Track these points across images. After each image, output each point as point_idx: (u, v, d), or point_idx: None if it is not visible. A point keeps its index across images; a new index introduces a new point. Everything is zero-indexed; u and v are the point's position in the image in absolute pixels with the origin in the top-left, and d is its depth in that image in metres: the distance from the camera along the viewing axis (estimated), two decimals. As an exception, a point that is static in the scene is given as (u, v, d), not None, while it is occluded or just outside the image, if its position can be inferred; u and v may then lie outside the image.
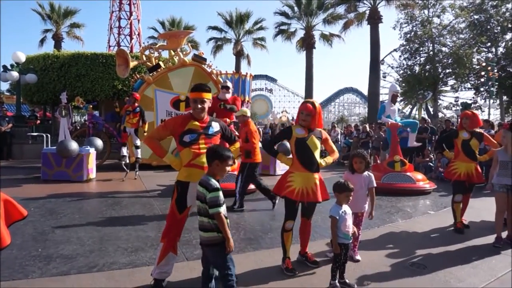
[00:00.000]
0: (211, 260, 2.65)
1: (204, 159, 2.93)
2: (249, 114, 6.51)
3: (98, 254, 3.84)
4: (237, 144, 3.39)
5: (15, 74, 12.30)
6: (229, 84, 7.32)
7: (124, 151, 8.91)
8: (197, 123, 3.04)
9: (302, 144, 3.41)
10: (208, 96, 3.06)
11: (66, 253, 3.85)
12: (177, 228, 3.05)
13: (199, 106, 3.02)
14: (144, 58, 9.92)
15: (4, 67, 12.41)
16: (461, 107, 24.25)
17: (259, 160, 6.18)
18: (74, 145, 8.11)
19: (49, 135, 11.06)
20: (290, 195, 3.38)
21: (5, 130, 11.90)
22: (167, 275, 3.07)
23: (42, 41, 28.73)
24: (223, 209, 2.55)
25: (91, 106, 11.08)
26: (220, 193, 2.56)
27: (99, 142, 9.16)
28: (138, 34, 25.43)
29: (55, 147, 8.29)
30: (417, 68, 26.70)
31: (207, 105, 3.08)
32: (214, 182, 2.58)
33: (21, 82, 12.80)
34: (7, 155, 11.74)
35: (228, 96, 7.00)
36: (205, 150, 2.94)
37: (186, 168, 3.00)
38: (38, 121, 16.24)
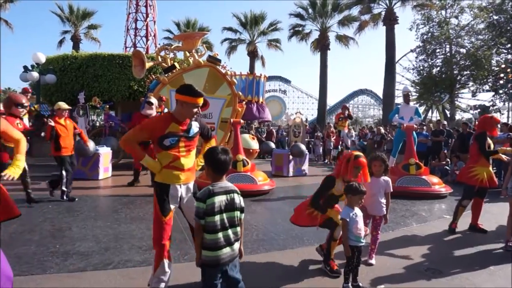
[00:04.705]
0: (237, 271, 2.46)
1: (183, 162, 2.90)
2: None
3: (113, 252, 3.91)
4: (213, 141, 3.30)
5: (35, 74, 12.61)
6: (153, 100, 6.99)
7: None
8: (178, 126, 2.91)
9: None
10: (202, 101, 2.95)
11: (83, 250, 3.93)
12: (166, 233, 2.92)
13: (195, 111, 2.92)
14: (160, 59, 10.03)
15: (25, 67, 12.73)
16: (479, 110, 23.73)
17: None
18: (90, 145, 8.27)
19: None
20: None
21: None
22: (165, 284, 2.95)
23: (60, 42, 29.38)
24: None
25: (107, 106, 11.28)
26: None
27: (115, 142, 9.31)
28: (154, 35, 25.77)
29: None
30: (434, 70, 26.22)
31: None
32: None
33: (41, 83, 13.11)
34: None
35: (151, 112, 6.77)
36: (185, 153, 2.92)
37: (165, 170, 2.92)
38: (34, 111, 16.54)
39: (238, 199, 2.46)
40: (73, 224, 4.93)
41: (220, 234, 2.36)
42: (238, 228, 2.45)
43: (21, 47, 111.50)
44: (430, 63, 26.56)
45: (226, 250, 2.38)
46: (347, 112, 12.04)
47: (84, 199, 6.44)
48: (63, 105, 6.40)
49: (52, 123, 6.13)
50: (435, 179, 7.92)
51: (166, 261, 2.92)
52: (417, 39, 26.54)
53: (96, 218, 5.24)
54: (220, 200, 2.38)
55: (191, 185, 3.05)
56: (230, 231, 2.39)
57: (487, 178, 4.94)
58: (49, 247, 3.99)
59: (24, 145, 2.88)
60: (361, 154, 3.52)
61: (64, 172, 6.34)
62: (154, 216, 2.96)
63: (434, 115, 37.22)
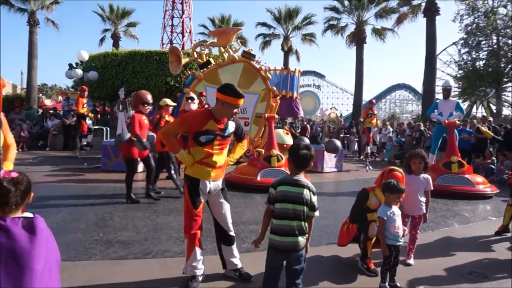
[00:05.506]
0: (299, 265, 2.52)
1: (215, 159, 2.97)
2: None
3: (152, 242, 4.06)
4: (245, 142, 3.34)
5: (79, 71, 13.24)
6: (193, 94, 6.94)
7: None
8: (215, 124, 2.95)
9: None
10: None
11: (124, 239, 4.12)
12: (196, 224, 3.02)
13: (235, 111, 2.97)
14: (195, 55, 10.24)
15: (70, 65, 13.41)
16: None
17: None
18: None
19: (108, 128, 11.81)
20: None
21: (70, 123, 12.92)
22: (200, 271, 3.04)
23: (102, 40, 30.59)
24: None
25: (145, 101, 11.62)
26: None
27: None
28: (190, 32, 26.28)
29: (113, 140, 8.83)
30: (479, 63, 24.76)
31: None
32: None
33: (84, 79, 13.76)
34: (72, 146, 12.73)
35: (194, 107, 6.63)
36: (218, 151, 2.98)
37: (197, 165, 2.99)
38: (99, 115, 17.38)
39: (308, 196, 2.50)
40: (115, 214, 5.16)
41: (284, 222, 2.47)
42: (303, 223, 2.50)
43: (66, 46, 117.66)
44: (474, 56, 25.12)
45: (289, 239, 2.46)
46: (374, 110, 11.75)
47: (124, 191, 6.70)
48: (169, 101, 6.69)
49: (167, 118, 6.47)
50: (479, 179, 7.53)
51: (198, 249, 3.02)
52: (461, 31, 25.16)
53: (136, 209, 5.46)
54: (288, 190, 2.49)
55: (220, 182, 3.11)
56: (294, 223, 2.47)
57: None
58: (93, 235, 4.21)
59: (14, 153, 2.74)
60: (396, 168, 3.44)
61: (170, 167, 6.56)
62: (184, 208, 3.06)
63: (479, 111, 35.22)
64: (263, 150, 8.44)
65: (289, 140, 10.38)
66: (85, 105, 10.60)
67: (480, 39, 24.52)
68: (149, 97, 5.93)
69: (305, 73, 42.50)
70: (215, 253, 3.40)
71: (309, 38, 29.49)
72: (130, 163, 5.98)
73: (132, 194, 5.89)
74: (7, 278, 1.54)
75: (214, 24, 31.14)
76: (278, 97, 10.77)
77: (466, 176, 7.34)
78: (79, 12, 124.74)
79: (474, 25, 24.30)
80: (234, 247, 3.21)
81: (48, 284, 1.65)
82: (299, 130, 16.31)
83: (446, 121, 7.77)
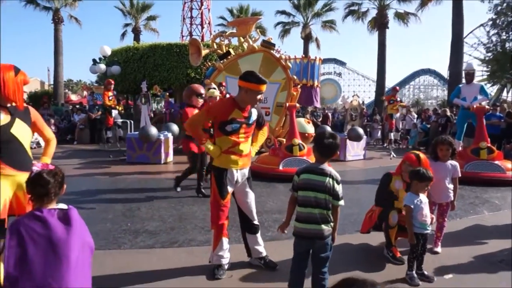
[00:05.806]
0: (324, 253, 2.51)
1: (242, 147, 2.99)
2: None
3: (178, 232, 4.16)
4: (265, 129, 3.36)
5: (102, 66, 13.52)
6: (214, 85, 6.74)
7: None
8: (240, 112, 2.97)
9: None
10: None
11: (151, 229, 4.23)
12: (223, 214, 3.04)
13: (258, 98, 2.98)
14: (215, 46, 10.25)
15: (94, 60, 13.71)
16: None
17: None
18: (153, 131, 8.74)
19: (132, 121, 12.05)
20: None
21: (95, 117, 13.28)
22: (226, 260, 3.09)
23: (123, 35, 31.10)
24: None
25: (167, 94, 11.80)
26: None
27: (175, 128, 9.74)
28: (209, 23, 26.30)
29: (137, 133, 9.03)
30: (509, 45, 23.62)
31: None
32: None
33: (108, 74, 14.05)
34: (98, 140, 13.10)
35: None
36: (243, 139, 2.99)
37: (224, 154, 3.00)
38: (122, 109, 17.75)
39: (331, 184, 2.48)
40: (141, 205, 5.30)
41: (306, 210, 2.49)
42: (326, 211, 2.49)
43: (89, 41, 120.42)
44: (504, 37, 23.96)
45: (312, 226, 2.47)
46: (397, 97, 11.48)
47: (149, 182, 6.88)
48: (216, 92, 6.66)
49: None
50: (510, 165, 7.25)
51: (224, 239, 3.07)
52: (490, 11, 24.04)
53: (161, 200, 5.59)
54: (310, 178, 2.50)
55: (246, 171, 3.13)
56: (316, 211, 2.47)
57: None
58: (122, 225, 4.34)
59: (53, 148, 2.73)
60: (415, 152, 3.41)
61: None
62: (211, 199, 3.09)
63: (510, 95, 33.69)
64: (284, 140, 8.42)
65: (310, 129, 10.30)
66: (111, 97, 10.83)
67: (511, 19, 23.35)
68: (202, 90, 5.97)
69: (325, 60, 41.69)
70: (240, 241, 3.45)
71: (329, 25, 28.96)
72: (192, 157, 5.83)
73: (179, 183, 6.00)
74: (45, 266, 1.62)
75: (232, 15, 31.00)
76: (299, 86, 10.66)
77: (496, 162, 7.09)
78: (101, 8, 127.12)
79: (505, 4, 23.14)
80: (259, 235, 3.24)
81: (81, 273, 1.73)
82: (320, 119, 16.16)
83: (475, 106, 7.49)
